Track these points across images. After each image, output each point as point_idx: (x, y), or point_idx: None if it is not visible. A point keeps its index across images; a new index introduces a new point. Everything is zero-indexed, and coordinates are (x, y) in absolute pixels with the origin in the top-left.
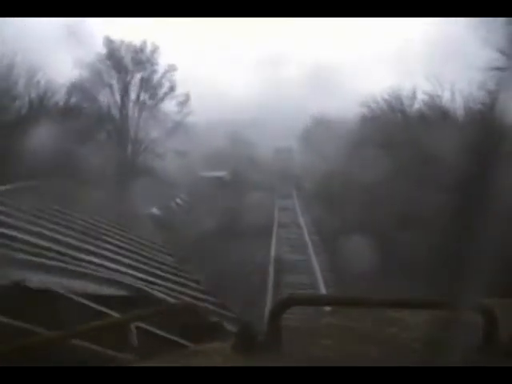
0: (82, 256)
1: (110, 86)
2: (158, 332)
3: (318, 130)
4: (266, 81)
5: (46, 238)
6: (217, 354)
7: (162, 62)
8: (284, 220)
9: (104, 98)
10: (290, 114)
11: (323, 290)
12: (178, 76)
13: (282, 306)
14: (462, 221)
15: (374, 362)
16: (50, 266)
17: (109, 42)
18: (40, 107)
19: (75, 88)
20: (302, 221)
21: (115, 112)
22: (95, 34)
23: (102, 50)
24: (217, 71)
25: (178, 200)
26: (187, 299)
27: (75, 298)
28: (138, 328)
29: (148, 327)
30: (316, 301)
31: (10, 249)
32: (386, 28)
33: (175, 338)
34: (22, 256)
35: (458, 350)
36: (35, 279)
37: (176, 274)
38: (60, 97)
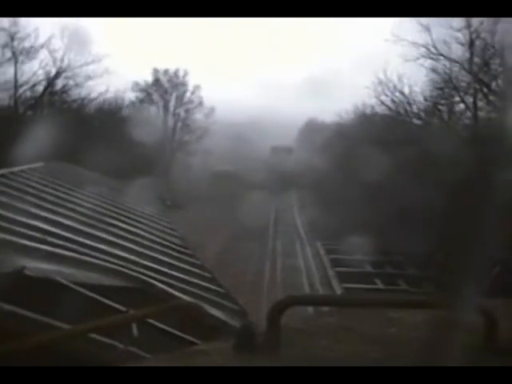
0: (88, 242)
1: (156, 104)
2: (161, 326)
3: (312, 130)
4: (265, 85)
5: (49, 222)
6: (217, 353)
7: (190, 81)
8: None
9: (149, 112)
10: (288, 116)
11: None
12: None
13: (281, 306)
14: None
15: (373, 362)
16: (51, 253)
17: (155, 72)
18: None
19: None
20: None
21: (158, 121)
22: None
23: (149, 77)
24: (222, 76)
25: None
26: (190, 289)
27: (76, 287)
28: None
29: (151, 321)
30: (315, 301)
31: (11, 234)
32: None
33: (179, 334)
34: (23, 241)
35: (457, 350)
36: (35, 267)
37: (181, 260)
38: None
